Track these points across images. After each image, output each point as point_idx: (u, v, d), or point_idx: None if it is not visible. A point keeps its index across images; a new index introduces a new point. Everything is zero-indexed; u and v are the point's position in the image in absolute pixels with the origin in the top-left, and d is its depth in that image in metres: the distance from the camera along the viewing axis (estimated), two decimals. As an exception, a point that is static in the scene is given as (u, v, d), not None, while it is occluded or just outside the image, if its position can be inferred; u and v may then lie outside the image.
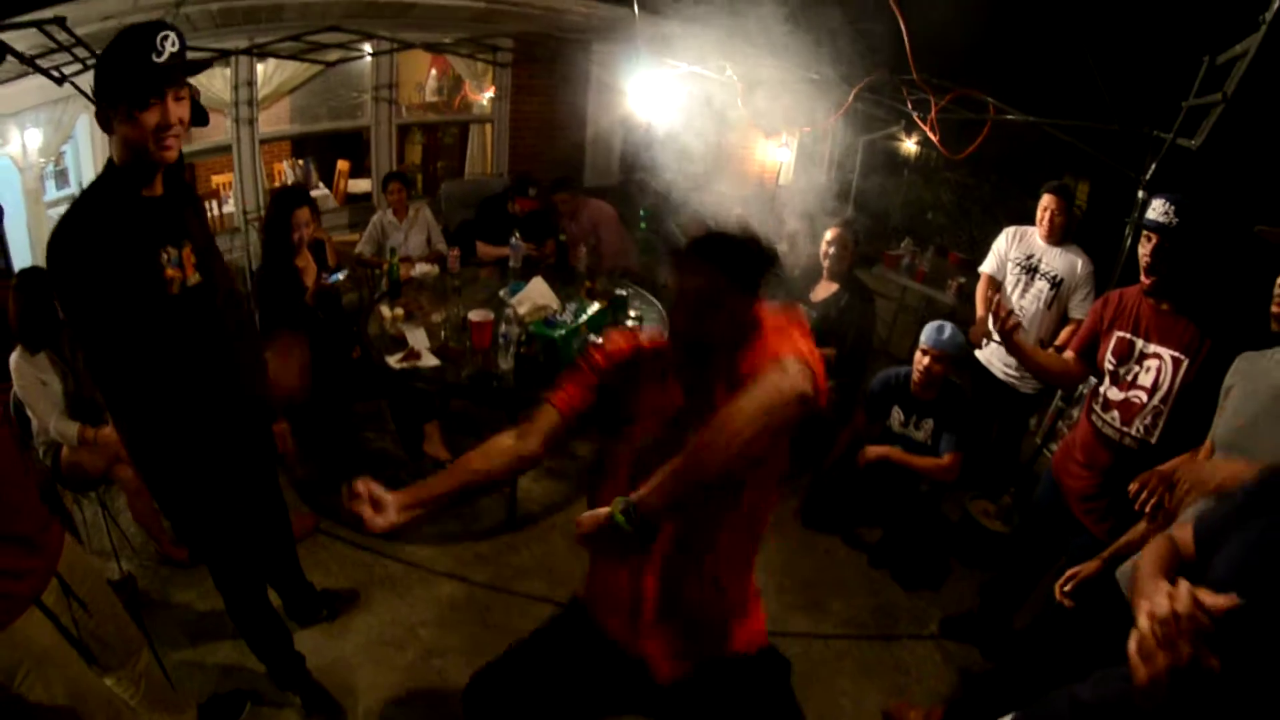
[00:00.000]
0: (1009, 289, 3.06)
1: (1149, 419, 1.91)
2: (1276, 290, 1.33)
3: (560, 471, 3.52)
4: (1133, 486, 1.66)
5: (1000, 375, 3.08)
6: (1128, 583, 1.39)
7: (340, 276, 3.17)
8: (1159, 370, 1.89)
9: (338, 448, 3.47)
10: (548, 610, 2.68)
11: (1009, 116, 3.34)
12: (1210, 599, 0.84)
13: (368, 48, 4.67)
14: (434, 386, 3.03)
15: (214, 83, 4.36)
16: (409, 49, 4.78)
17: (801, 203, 3.61)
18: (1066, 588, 1.80)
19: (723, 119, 5.01)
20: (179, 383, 1.61)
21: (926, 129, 3.50)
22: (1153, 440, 1.91)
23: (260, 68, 4.51)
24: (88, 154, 4.36)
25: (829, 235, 3.31)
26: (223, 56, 4.04)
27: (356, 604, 2.61)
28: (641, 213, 4.66)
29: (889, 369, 2.98)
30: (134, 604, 2.37)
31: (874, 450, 2.91)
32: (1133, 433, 1.95)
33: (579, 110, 5.12)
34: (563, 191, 4.29)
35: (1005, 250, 3.07)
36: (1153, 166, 2.84)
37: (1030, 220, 3.05)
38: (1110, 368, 2.00)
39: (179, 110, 1.45)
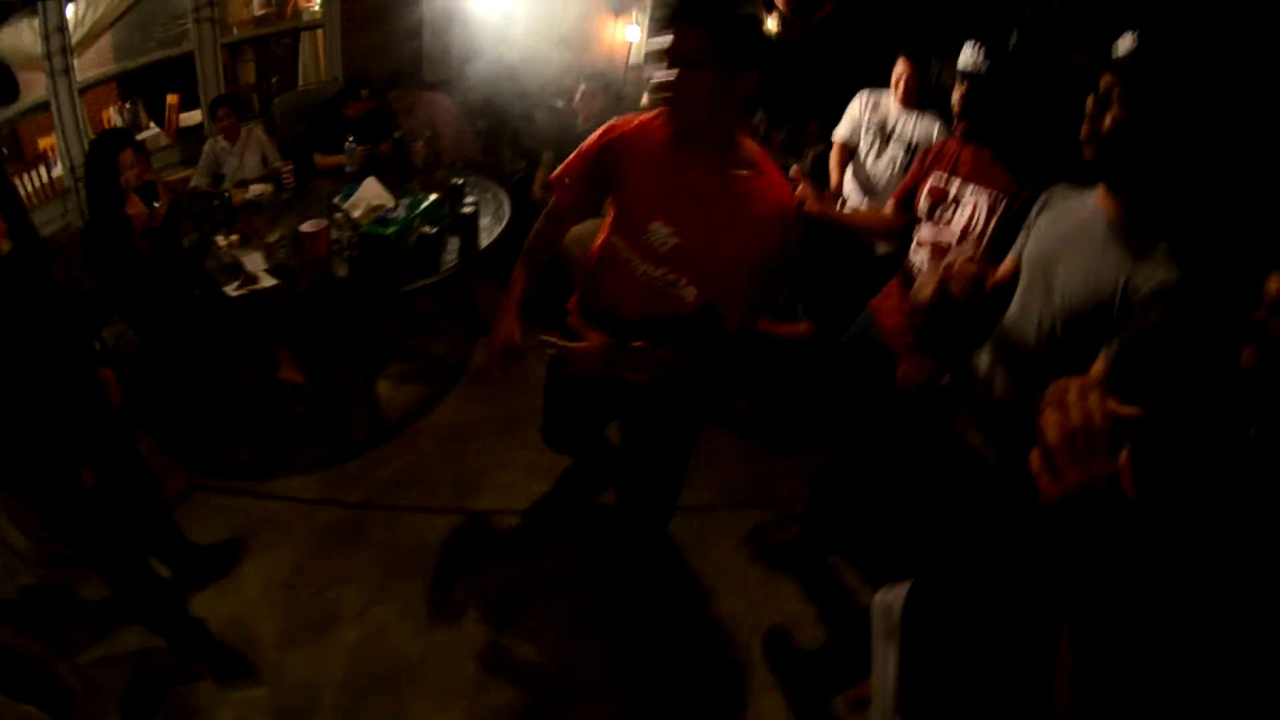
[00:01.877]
0: (862, 154, 2.91)
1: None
2: (1088, 110, 1.29)
3: (420, 374, 3.42)
4: None
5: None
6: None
7: (157, 204, 2.92)
8: (973, 210, 1.88)
9: (198, 394, 3.28)
10: (425, 520, 2.65)
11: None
12: (1123, 409, 0.76)
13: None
14: (271, 311, 2.85)
15: (23, 37, 3.84)
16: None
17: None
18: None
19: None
20: None
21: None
22: None
23: (70, 9, 3.99)
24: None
25: None
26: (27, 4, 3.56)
27: (243, 552, 2.50)
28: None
29: None
30: (39, 613, 2.26)
31: None
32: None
33: (413, 1, 4.76)
34: (396, 89, 4.03)
35: (859, 115, 2.91)
36: (1015, 32, 2.78)
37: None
38: (925, 208, 1.98)
39: None
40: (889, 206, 2.16)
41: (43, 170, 4.34)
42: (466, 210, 2.89)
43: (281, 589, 2.40)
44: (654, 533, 2.36)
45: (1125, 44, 1.26)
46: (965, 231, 1.89)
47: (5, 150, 4.52)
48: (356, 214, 2.95)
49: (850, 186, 3.00)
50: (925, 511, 1.77)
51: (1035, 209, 1.54)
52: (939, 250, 1.93)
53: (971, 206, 1.88)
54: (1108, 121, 1.24)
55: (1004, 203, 1.82)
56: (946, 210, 1.93)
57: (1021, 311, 1.46)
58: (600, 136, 1.63)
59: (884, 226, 2.18)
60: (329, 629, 2.27)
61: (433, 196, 2.96)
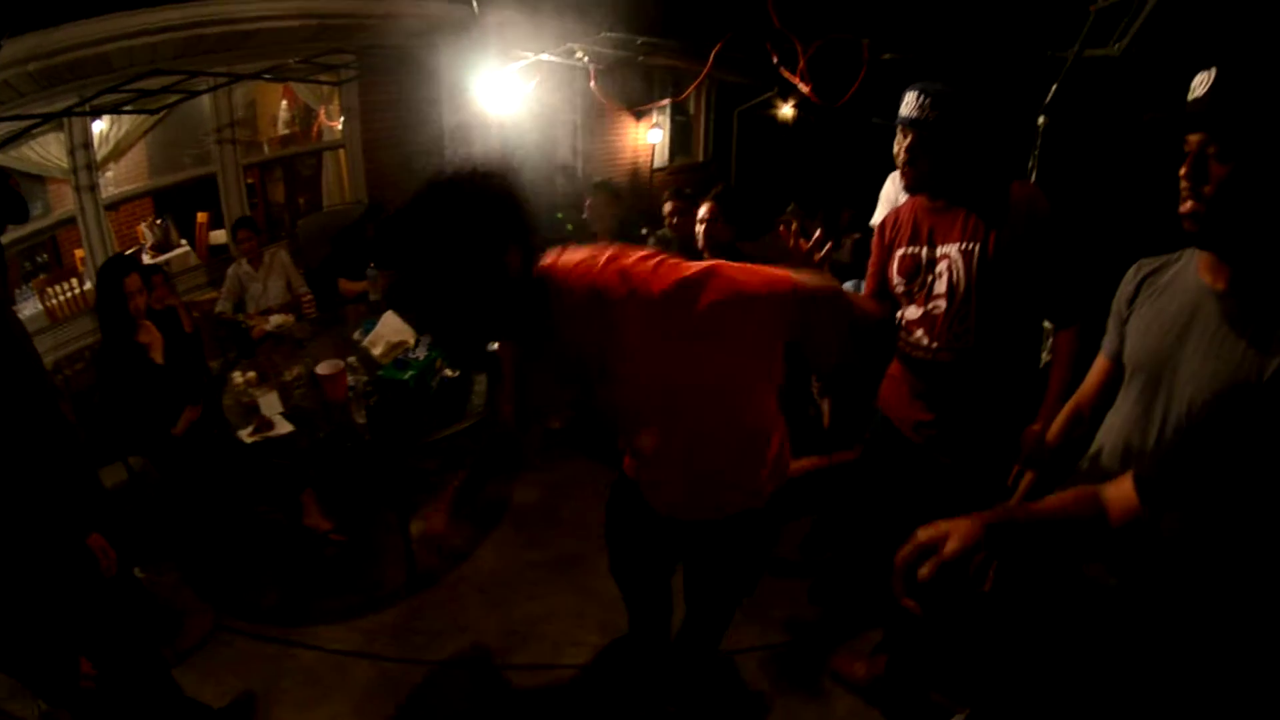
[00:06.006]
0: None
1: (955, 324, 1.73)
2: (1183, 184, 1.15)
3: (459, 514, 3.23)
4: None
5: None
6: None
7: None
8: (950, 270, 1.71)
9: (224, 528, 3.12)
10: (469, 676, 2.46)
11: (884, 56, 3.17)
12: None
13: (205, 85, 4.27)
14: (288, 459, 2.71)
15: (50, 150, 3.94)
16: (239, 80, 4.39)
17: (676, 183, 3.39)
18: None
19: (585, 106, 4.74)
20: None
21: (796, 80, 3.30)
22: (971, 344, 1.73)
23: (97, 126, 4.09)
24: None
25: (701, 211, 3.08)
26: (45, 121, 3.64)
27: (255, 711, 2.31)
28: (559, 215, 4.38)
29: None
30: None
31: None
32: (944, 345, 1.76)
33: (433, 119, 4.78)
34: None
35: (894, 196, 2.81)
36: (1054, 88, 2.68)
37: None
38: (901, 289, 1.82)
39: None
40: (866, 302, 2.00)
41: (74, 282, 4.36)
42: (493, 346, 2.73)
43: (307, 755, 2.21)
44: (700, 672, 2.12)
45: (1201, 83, 1.08)
46: (949, 293, 1.73)
47: (45, 257, 4.59)
48: (376, 352, 2.83)
49: None
50: (1023, 634, 1.56)
51: (1123, 298, 1.39)
52: (933, 321, 1.77)
53: (947, 265, 1.73)
54: (1210, 187, 1.09)
55: (976, 248, 1.68)
56: (925, 281, 1.78)
57: (1142, 417, 1.30)
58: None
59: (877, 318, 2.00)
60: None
61: (455, 332, 2.82)
